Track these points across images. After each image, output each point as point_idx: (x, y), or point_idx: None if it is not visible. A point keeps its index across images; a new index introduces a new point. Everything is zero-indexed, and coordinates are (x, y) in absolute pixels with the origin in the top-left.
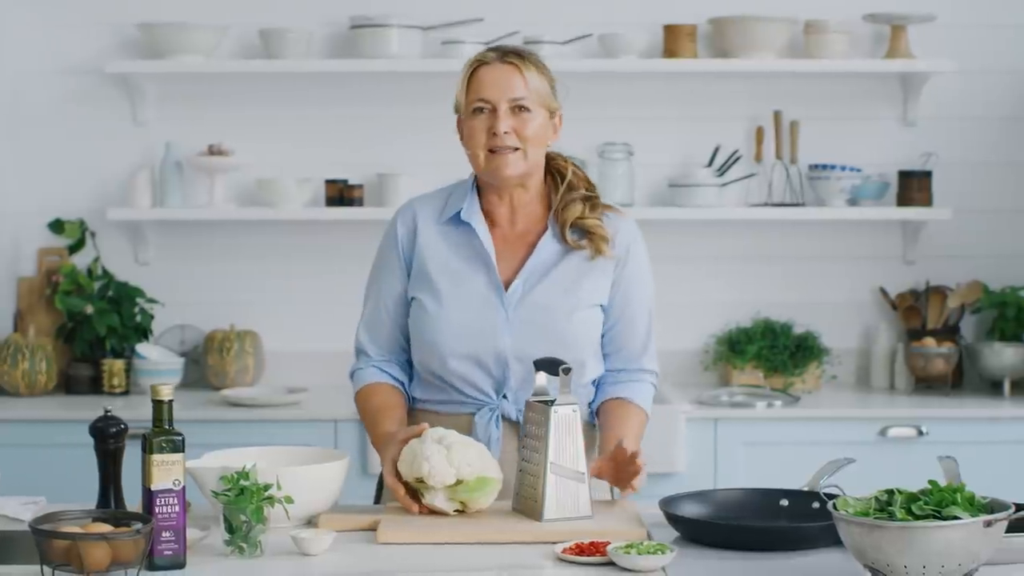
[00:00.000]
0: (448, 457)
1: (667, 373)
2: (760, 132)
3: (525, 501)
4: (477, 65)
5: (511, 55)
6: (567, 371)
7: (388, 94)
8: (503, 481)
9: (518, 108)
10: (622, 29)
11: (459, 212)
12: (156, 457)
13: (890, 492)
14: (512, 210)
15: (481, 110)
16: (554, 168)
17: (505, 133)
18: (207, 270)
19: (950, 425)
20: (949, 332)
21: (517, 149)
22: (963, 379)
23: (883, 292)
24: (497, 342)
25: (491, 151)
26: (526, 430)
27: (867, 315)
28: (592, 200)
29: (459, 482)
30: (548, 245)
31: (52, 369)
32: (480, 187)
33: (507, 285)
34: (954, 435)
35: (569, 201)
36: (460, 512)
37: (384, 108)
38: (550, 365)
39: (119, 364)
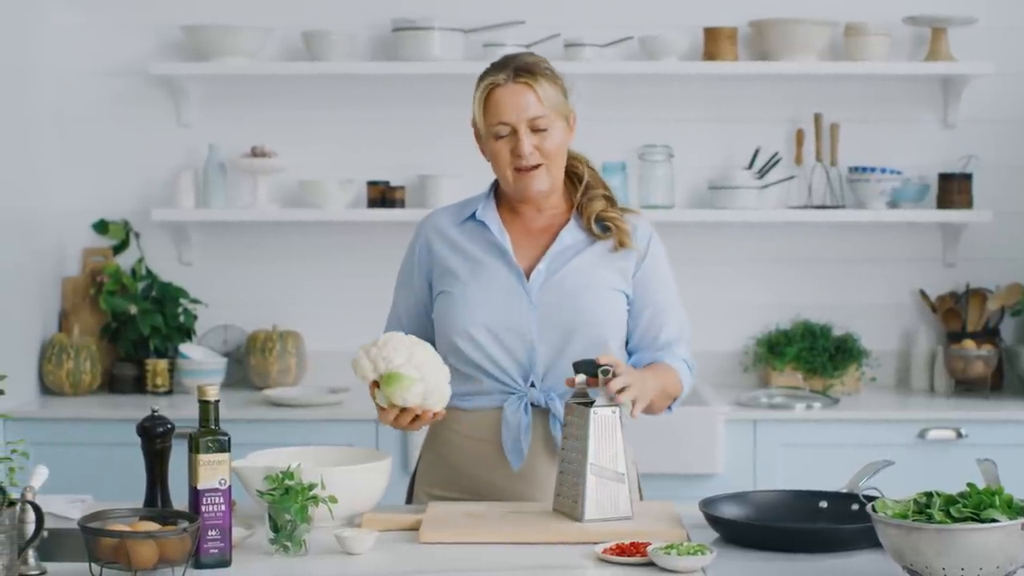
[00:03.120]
0: (369, 352)
1: (706, 374)
2: (800, 134)
3: (564, 501)
4: (491, 87)
5: (522, 74)
6: (606, 372)
7: (430, 96)
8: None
9: (537, 126)
10: (663, 31)
11: (475, 212)
12: (203, 457)
13: (929, 495)
14: (537, 208)
15: (501, 133)
16: (570, 169)
17: (529, 153)
18: (250, 271)
19: (989, 427)
20: (989, 334)
21: (541, 165)
22: (1003, 381)
23: (923, 294)
24: (522, 326)
25: (517, 170)
26: (566, 432)
27: (907, 317)
28: (611, 200)
29: (380, 378)
30: (571, 234)
31: (96, 369)
32: (502, 191)
33: (529, 273)
34: (993, 437)
35: (592, 197)
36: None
37: (426, 110)
38: (589, 367)
39: (163, 364)
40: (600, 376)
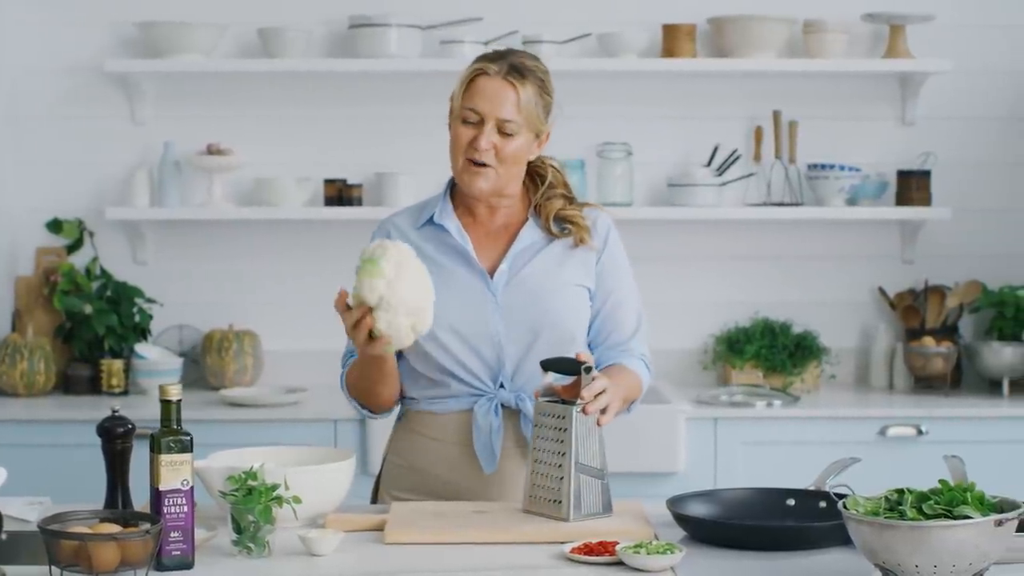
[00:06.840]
0: (382, 244)
1: (666, 372)
2: (759, 132)
3: (542, 502)
4: (479, 73)
5: (513, 73)
6: (588, 370)
7: (387, 93)
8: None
9: (504, 129)
10: (621, 28)
11: (433, 216)
12: (164, 457)
13: (900, 492)
14: (491, 209)
15: (469, 119)
16: (534, 170)
17: (485, 149)
18: (205, 270)
19: (949, 424)
20: (948, 331)
21: (491, 167)
22: (962, 378)
23: (882, 292)
24: (489, 326)
25: (468, 160)
26: (539, 432)
27: (866, 315)
28: (570, 199)
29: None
30: (530, 233)
31: (51, 369)
32: (458, 192)
33: (492, 272)
34: (953, 434)
35: (550, 196)
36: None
37: (383, 107)
38: (560, 365)
39: (118, 364)
40: (584, 375)
